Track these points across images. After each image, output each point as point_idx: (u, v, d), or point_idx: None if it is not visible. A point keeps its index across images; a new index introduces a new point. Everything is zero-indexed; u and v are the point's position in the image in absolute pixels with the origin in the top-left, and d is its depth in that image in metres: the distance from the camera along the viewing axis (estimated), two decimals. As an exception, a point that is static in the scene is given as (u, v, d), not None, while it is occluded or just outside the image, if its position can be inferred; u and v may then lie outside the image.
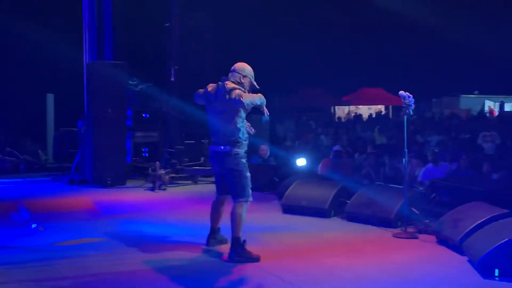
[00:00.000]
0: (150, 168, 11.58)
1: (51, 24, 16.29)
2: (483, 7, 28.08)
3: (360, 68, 29.54)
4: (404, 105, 7.59)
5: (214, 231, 6.79)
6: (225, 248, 6.51)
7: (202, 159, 13.03)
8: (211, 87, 6.50)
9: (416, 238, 7.28)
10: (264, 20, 24.27)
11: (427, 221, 7.69)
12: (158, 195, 10.72)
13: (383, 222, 7.87)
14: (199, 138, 13.22)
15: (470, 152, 11.10)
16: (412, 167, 10.40)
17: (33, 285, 5.33)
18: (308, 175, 10.64)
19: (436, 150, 10.61)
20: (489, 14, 27.69)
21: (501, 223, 6.19)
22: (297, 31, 27.49)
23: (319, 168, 11.65)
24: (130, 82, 13.15)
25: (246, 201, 6.33)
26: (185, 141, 13.11)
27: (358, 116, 26.98)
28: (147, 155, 13.32)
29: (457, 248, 6.50)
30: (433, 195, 8.50)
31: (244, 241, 6.22)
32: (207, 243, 6.75)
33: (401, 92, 7.53)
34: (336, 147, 11.85)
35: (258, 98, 6.36)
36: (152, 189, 11.03)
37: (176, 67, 12.82)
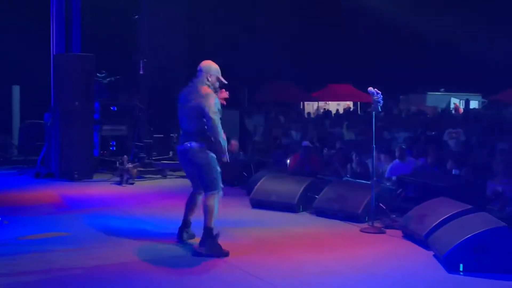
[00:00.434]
0: (117, 162, 11.47)
1: (18, 14, 16.00)
2: (450, 5, 28.45)
3: (329, 64, 29.69)
4: (373, 102, 7.66)
5: (186, 223, 6.79)
6: (193, 243, 6.49)
7: (170, 153, 12.96)
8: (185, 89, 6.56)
9: (383, 233, 7.36)
10: (234, 14, 24.19)
11: (394, 216, 7.78)
12: (126, 189, 10.63)
13: (350, 217, 7.95)
14: (168, 132, 13.14)
15: (436, 149, 11.25)
16: (380, 162, 10.51)
17: (-2, 280, 5.25)
18: (277, 170, 10.66)
19: (403, 147, 10.73)
20: (456, 13, 28.05)
21: (466, 218, 6.30)
22: (267, 26, 27.49)
23: (288, 164, 11.69)
24: (98, 74, 13.00)
25: (218, 193, 6.42)
26: (154, 135, 13.03)
27: (327, 112, 27.13)
28: (114, 148, 13.16)
29: (423, 243, 6.59)
30: (400, 190, 8.60)
31: (217, 234, 6.25)
32: (179, 236, 6.75)
33: (370, 89, 7.60)
34: (305, 143, 11.88)
35: (223, 140, 6.52)
36: (120, 183, 10.94)
37: (145, 60, 12.72)
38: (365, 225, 7.64)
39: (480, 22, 28.78)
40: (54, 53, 12.14)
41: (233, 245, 6.62)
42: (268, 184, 9.01)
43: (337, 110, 28.31)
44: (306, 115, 27.22)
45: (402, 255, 6.39)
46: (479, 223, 5.95)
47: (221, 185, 6.54)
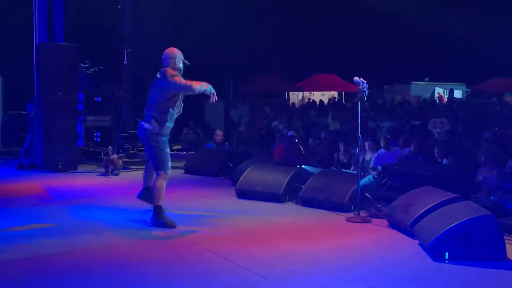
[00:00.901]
0: (102, 153, 11.42)
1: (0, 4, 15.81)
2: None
3: (313, 55, 29.72)
4: (358, 91, 7.67)
5: (147, 189, 7.36)
6: (179, 237, 6.47)
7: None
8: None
9: (369, 222, 7.39)
10: (219, 6, 24.11)
11: (379, 205, 7.81)
12: (111, 180, 10.58)
13: (336, 206, 7.97)
14: (153, 122, 13.06)
15: (420, 138, 11.30)
16: (365, 152, 10.55)
17: (-18, 272, 5.20)
18: (262, 160, 10.66)
19: (388, 136, 10.77)
20: (441, 4, 28.17)
21: (451, 207, 6.34)
22: (252, 17, 27.43)
23: (274, 154, 11.70)
24: (82, 65, 12.89)
25: (165, 173, 6.96)
26: (139, 125, 12.96)
27: (313, 102, 27.16)
28: (99, 139, 13.09)
29: (408, 232, 6.63)
30: (385, 180, 8.63)
31: (164, 209, 6.96)
32: (139, 196, 7.42)
33: (356, 78, 7.60)
34: (290, 133, 11.90)
35: (206, 86, 6.97)
36: (105, 174, 10.88)
37: (128, 50, 12.65)
38: (351, 215, 7.66)
39: (466, 13, 28.92)
40: (37, 43, 12.02)
41: (219, 236, 6.63)
42: (253, 175, 9.00)
43: (320, 100, 28.34)
44: (291, 105, 27.23)
45: (387, 244, 6.42)
46: (464, 211, 5.99)
47: (170, 165, 7.06)
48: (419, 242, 6.25)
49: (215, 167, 10.97)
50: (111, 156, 10.97)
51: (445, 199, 6.65)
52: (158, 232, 6.74)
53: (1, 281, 5.03)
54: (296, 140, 11.50)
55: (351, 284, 5.05)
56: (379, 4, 26.64)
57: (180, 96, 7.04)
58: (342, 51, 29.25)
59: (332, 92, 32.02)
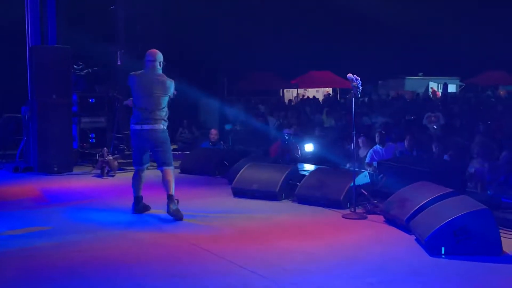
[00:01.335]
0: (97, 154, 11.40)
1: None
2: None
3: (308, 51, 29.72)
4: (352, 88, 7.67)
5: (139, 199, 7.71)
6: (176, 237, 6.47)
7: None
8: (143, 74, 7.57)
9: (365, 218, 7.40)
10: (212, 4, 24.07)
11: (375, 201, 7.83)
12: (107, 181, 10.57)
13: (332, 203, 7.98)
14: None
15: (415, 133, 11.31)
16: (360, 148, 10.56)
17: (-21, 277, 5.19)
18: (258, 158, 10.66)
19: (383, 132, 10.79)
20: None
21: (446, 202, 6.34)
22: (245, 15, 27.38)
23: (270, 152, 11.70)
24: (75, 66, 12.86)
25: (173, 167, 7.60)
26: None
27: (308, 99, 27.19)
28: (94, 141, 13.07)
29: (405, 227, 6.64)
30: (381, 176, 8.64)
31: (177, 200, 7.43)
32: (136, 210, 7.65)
33: (349, 75, 7.61)
34: (286, 130, 11.89)
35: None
36: (100, 175, 10.86)
37: (122, 50, 12.61)
38: (347, 211, 7.68)
39: (457, 6, 28.93)
40: (30, 45, 11.98)
41: (216, 235, 6.63)
42: (249, 173, 9.00)
43: (314, 96, 28.35)
44: (287, 102, 27.25)
45: (384, 240, 6.43)
46: (460, 206, 6.00)
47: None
48: (415, 237, 6.27)
49: (211, 166, 10.97)
50: (106, 157, 10.96)
51: (440, 193, 6.66)
52: (154, 233, 6.74)
53: (-2, 285, 5.03)
54: (292, 138, 11.50)
55: (348, 281, 5.06)
56: (374, 2, 26.66)
57: None
58: (336, 48, 29.23)
59: (327, 89, 32.05)
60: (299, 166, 9.55)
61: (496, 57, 28.12)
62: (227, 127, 14.01)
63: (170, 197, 7.34)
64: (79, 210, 7.99)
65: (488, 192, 7.56)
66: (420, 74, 34.38)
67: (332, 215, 7.64)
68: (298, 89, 31.76)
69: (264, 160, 10.46)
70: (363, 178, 8.32)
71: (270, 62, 28.97)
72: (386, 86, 32.86)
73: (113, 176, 10.91)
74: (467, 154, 9.12)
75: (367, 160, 10.18)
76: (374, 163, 9.67)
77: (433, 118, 15.16)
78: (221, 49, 25.22)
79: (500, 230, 5.89)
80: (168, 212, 7.30)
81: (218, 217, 7.55)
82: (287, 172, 8.78)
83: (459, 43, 28.69)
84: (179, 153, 12.80)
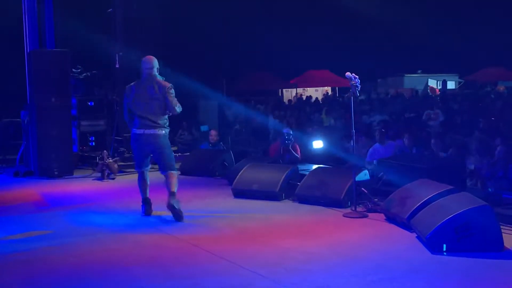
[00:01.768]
0: (97, 157, 11.39)
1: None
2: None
3: (306, 51, 29.71)
4: (351, 86, 7.67)
5: (148, 201, 7.74)
6: (176, 239, 6.47)
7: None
8: (139, 82, 7.63)
9: (366, 217, 7.40)
10: (210, 5, 24.10)
11: (376, 200, 7.82)
12: (107, 184, 10.56)
13: (333, 203, 7.97)
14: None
15: (415, 130, 11.33)
16: (359, 146, 10.56)
17: (-20, 282, 5.19)
18: (258, 158, 10.66)
19: (382, 130, 10.79)
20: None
21: (447, 199, 6.34)
22: (243, 16, 27.40)
23: (269, 151, 11.70)
24: (74, 70, 12.86)
25: (176, 170, 7.68)
26: (133, 129, 12.92)
27: (308, 98, 27.19)
28: (94, 144, 13.07)
29: (406, 225, 6.64)
30: (381, 174, 8.64)
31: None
32: (147, 213, 7.66)
33: (348, 74, 7.60)
34: (286, 130, 11.88)
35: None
36: (101, 178, 10.86)
37: (120, 53, 12.61)
38: (347, 210, 7.67)
39: (456, 4, 28.93)
40: (28, 50, 11.99)
41: (217, 236, 6.63)
42: (249, 173, 9.00)
43: (310, 96, 28.32)
44: (287, 102, 27.26)
45: (385, 238, 6.43)
46: (461, 203, 6.00)
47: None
48: (416, 235, 6.27)
49: (211, 167, 10.97)
50: (106, 160, 10.96)
51: (441, 191, 6.66)
52: (155, 234, 6.74)
53: (0, 289, 5.03)
54: (292, 137, 11.50)
55: (349, 279, 5.05)
56: (371, 1, 26.67)
57: None
58: (334, 47, 29.23)
59: (326, 88, 32.05)
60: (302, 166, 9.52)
61: (494, 53, 28.12)
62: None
63: (172, 194, 7.39)
64: (80, 213, 7.98)
65: (489, 189, 7.56)
66: (419, 71, 34.37)
67: (333, 214, 7.64)
68: (297, 88, 31.75)
69: (264, 160, 10.46)
70: (363, 176, 8.31)
71: (269, 62, 28.98)
72: (385, 84, 32.85)
73: (113, 179, 10.91)
74: (466, 151, 9.13)
75: (367, 158, 10.18)
76: (374, 161, 9.66)
77: (432, 116, 15.16)
78: (220, 50, 25.24)
79: (501, 226, 5.88)
80: (168, 206, 7.34)
81: (218, 218, 7.54)
82: (287, 172, 8.77)
83: (457, 39, 28.67)
84: (179, 155, 12.79)
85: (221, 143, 12.81)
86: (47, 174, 11.23)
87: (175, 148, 14.13)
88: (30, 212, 8.19)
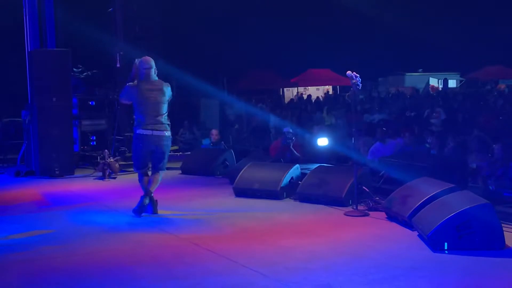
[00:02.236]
0: (99, 157, 11.40)
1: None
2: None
3: (307, 50, 29.70)
4: (352, 85, 7.67)
5: (152, 199, 7.69)
6: (178, 238, 6.48)
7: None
8: (141, 83, 7.58)
9: (367, 215, 7.40)
10: (210, 4, 24.08)
11: (377, 198, 7.82)
12: (108, 183, 10.57)
13: (334, 201, 7.97)
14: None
15: (416, 129, 11.32)
16: (361, 145, 10.55)
17: (-18, 281, 5.20)
18: (259, 157, 10.66)
19: (384, 129, 10.79)
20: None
21: (448, 197, 6.34)
22: (244, 15, 27.40)
23: (270, 150, 11.69)
24: (75, 69, 12.86)
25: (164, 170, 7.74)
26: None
27: (309, 97, 27.19)
28: (95, 143, 13.07)
29: (407, 223, 6.64)
30: (382, 172, 8.64)
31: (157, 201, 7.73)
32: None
33: (349, 72, 7.60)
34: (286, 129, 11.88)
35: None
36: (102, 178, 10.87)
37: (121, 52, 12.61)
38: (349, 209, 7.67)
39: (456, 3, 28.90)
40: (29, 49, 11.99)
41: (218, 235, 6.63)
42: (251, 172, 9.00)
43: (310, 95, 28.30)
44: (288, 101, 27.23)
45: (387, 237, 6.43)
46: (462, 201, 6.00)
47: None
48: (418, 233, 6.27)
49: (212, 166, 10.97)
50: (107, 159, 10.96)
51: (442, 189, 6.66)
52: (157, 234, 6.74)
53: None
54: (293, 137, 11.50)
55: (351, 278, 5.05)
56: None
57: None
58: (335, 45, 29.21)
59: (327, 87, 32.03)
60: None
61: (495, 51, 28.09)
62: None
63: (149, 193, 7.54)
64: (81, 213, 7.99)
65: (490, 187, 7.56)
66: (420, 70, 34.35)
67: (334, 213, 7.64)
68: (298, 87, 31.73)
69: (265, 159, 10.45)
70: (364, 175, 8.31)
71: (269, 61, 28.96)
72: (386, 83, 32.83)
73: (114, 178, 10.91)
74: (467, 149, 9.13)
75: (368, 156, 10.18)
76: (375, 160, 9.65)
77: (434, 114, 15.15)
78: (220, 49, 25.24)
79: (502, 224, 5.89)
80: (143, 202, 7.50)
81: (220, 217, 7.55)
82: (288, 171, 8.77)
83: (458, 38, 28.65)
84: (179, 154, 12.80)
85: (222, 142, 12.81)
86: (48, 173, 11.24)
87: (175, 148, 14.14)
88: (32, 211, 8.20)
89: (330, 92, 31.51)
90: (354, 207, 7.61)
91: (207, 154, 11.78)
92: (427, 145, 9.91)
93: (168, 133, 7.61)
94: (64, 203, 8.82)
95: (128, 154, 12.24)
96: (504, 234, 5.78)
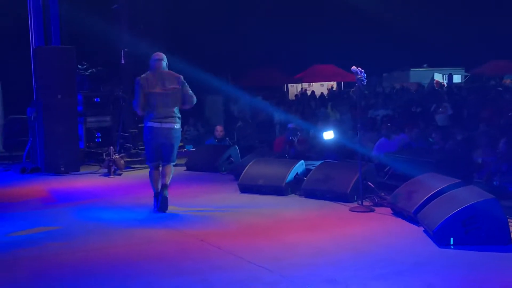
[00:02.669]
0: (104, 153, 11.42)
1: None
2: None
3: (311, 45, 29.63)
4: (356, 80, 7.66)
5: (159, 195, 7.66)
6: (184, 234, 6.50)
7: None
8: (152, 74, 7.59)
9: (373, 211, 7.39)
10: (214, 1, 24.07)
11: (383, 194, 7.81)
12: (114, 180, 10.58)
13: (339, 197, 7.97)
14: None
15: (422, 124, 11.30)
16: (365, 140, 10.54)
17: (-12, 278, 5.21)
18: (264, 153, 10.66)
19: (389, 124, 10.77)
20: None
21: (454, 192, 6.33)
22: (247, 12, 27.36)
23: (275, 146, 11.69)
24: (80, 66, 12.87)
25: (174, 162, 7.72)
26: (139, 124, 12.93)
27: (313, 93, 27.15)
28: (100, 140, 13.08)
29: (413, 219, 6.63)
30: (388, 168, 8.63)
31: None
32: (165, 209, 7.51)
33: (353, 68, 7.60)
34: (291, 125, 11.87)
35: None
36: (107, 174, 10.89)
37: (125, 49, 12.61)
38: (354, 205, 7.67)
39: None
40: (34, 46, 12.01)
41: (223, 231, 6.64)
42: (255, 168, 9.00)
43: (313, 91, 28.25)
44: (294, 97, 27.20)
45: (392, 232, 6.42)
46: (468, 196, 5.99)
47: None
48: (423, 229, 6.26)
49: (217, 162, 10.97)
50: (112, 156, 10.98)
51: (448, 184, 6.65)
52: (162, 230, 6.76)
53: (8, 284, 5.04)
54: (298, 133, 11.49)
55: (356, 273, 5.05)
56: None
57: None
58: (339, 41, 29.13)
59: (331, 83, 31.97)
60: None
61: (500, 46, 27.99)
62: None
63: (165, 186, 7.47)
64: (87, 209, 8.01)
65: (495, 182, 7.54)
66: (425, 65, 34.26)
67: (339, 209, 7.64)
68: (302, 83, 31.67)
69: (269, 155, 10.45)
70: (369, 170, 8.30)
71: (273, 58, 28.91)
72: (391, 79, 32.75)
73: (120, 174, 10.93)
74: (473, 144, 9.11)
75: (373, 152, 10.17)
76: (381, 155, 9.64)
77: (440, 110, 15.11)
78: (224, 46, 25.21)
79: (508, 220, 5.87)
80: (161, 197, 7.44)
81: (225, 213, 7.56)
82: (293, 166, 8.77)
83: (463, 33, 28.56)
84: (184, 151, 12.81)
85: (227, 138, 12.81)
86: (53, 170, 11.26)
87: (180, 144, 14.14)
88: (37, 208, 8.22)
89: (334, 88, 31.45)
90: (360, 203, 7.60)
91: (212, 150, 11.78)
92: (430, 140, 9.90)
93: (177, 126, 7.57)
94: (69, 199, 8.84)
95: (133, 151, 12.26)
96: (510, 230, 5.77)
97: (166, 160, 7.61)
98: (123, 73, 12.71)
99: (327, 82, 31.71)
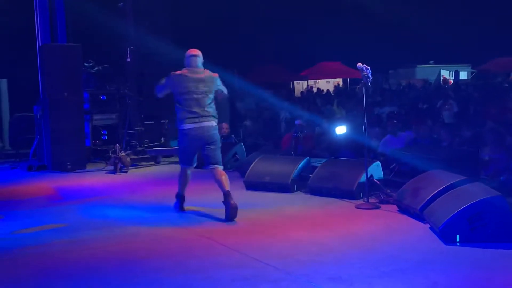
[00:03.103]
0: (110, 151, 11.44)
1: (1, 7, 15.83)
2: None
3: (317, 43, 29.58)
4: (362, 78, 7.64)
5: (183, 198, 7.61)
6: (189, 232, 6.49)
7: (162, 139, 12.93)
8: (187, 71, 7.25)
9: (378, 208, 7.39)
10: (219, -2, 24.07)
11: (388, 191, 7.80)
12: (120, 177, 10.61)
13: (345, 194, 7.96)
14: (159, 118, 13.09)
15: (428, 121, 11.25)
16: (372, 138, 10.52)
17: (-5, 275, 5.23)
18: (269, 151, 10.65)
19: (395, 121, 10.74)
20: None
21: (460, 189, 6.31)
22: (253, 8, 27.33)
23: (283, 144, 11.68)
24: (86, 64, 12.90)
25: (223, 166, 7.43)
26: (145, 122, 12.97)
27: (319, 90, 27.11)
28: (106, 137, 13.12)
29: (419, 216, 6.62)
30: (393, 165, 8.61)
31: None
32: (180, 209, 7.52)
33: (359, 65, 7.58)
34: (298, 121, 11.86)
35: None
36: (114, 172, 10.92)
37: (131, 47, 12.63)
38: (360, 202, 7.66)
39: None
40: (40, 44, 12.04)
41: (229, 228, 6.65)
42: (261, 166, 9.00)
43: (319, 88, 28.20)
44: (299, 94, 27.17)
45: (398, 229, 6.41)
46: (474, 193, 5.97)
47: None
48: (429, 226, 6.25)
49: (223, 160, 10.93)
50: (119, 153, 11.00)
51: (454, 181, 6.63)
52: (168, 228, 6.76)
53: (15, 281, 5.06)
54: (304, 130, 11.49)
55: (362, 270, 5.05)
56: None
57: None
58: (345, 38, 29.07)
59: (337, 80, 31.92)
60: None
61: (507, 43, 27.86)
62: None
63: (228, 194, 7.08)
64: (93, 207, 8.03)
65: (501, 178, 7.51)
66: (431, 62, 34.18)
67: (345, 206, 7.63)
68: (308, 80, 31.63)
69: (275, 152, 10.44)
70: (375, 168, 8.28)
71: (279, 55, 28.89)
72: (397, 75, 32.69)
73: (126, 172, 10.96)
74: (480, 141, 9.08)
75: (379, 149, 10.15)
76: (387, 152, 9.62)
77: (446, 107, 15.06)
78: (230, 42, 25.21)
79: (515, 217, 5.85)
80: (231, 205, 6.98)
81: (231, 211, 7.54)
82: (299, 164, 8.77)
83: (469, 30, 28.46)
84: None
85: (232, 136, 12.81)
86: (60, 168, 11.30)
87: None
88: (44, 205, 8.25)
89: (341, 85, 31.40)
90: (365, 200, 7.60)
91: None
92: (435, 136, 9.86)
93: (214, 123, 7.26)
94: (76, 197, 8.87)
95: (139, 148, 12.28)
96: (517, 226, 5.75)
97: (209, 163, 7.30)
98: (129, 71, 12.73)
99: (333, 79, 31.66)
